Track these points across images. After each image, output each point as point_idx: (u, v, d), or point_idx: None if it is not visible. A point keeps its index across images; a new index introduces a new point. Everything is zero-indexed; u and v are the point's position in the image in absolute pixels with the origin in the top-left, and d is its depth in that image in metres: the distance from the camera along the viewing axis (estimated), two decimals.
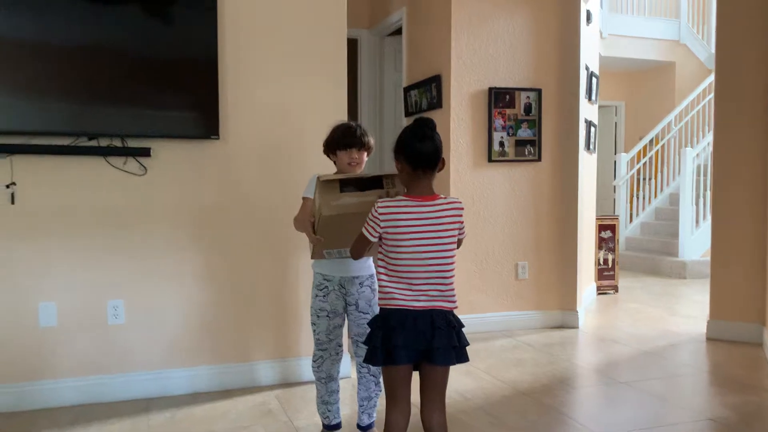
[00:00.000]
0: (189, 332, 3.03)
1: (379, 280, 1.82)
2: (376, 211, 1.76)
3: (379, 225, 1.77)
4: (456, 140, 4.05)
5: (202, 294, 3.05)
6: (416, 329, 1.75)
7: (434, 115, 4.21)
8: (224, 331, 3.09)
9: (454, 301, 1.80)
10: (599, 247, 5.54)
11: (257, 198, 3.10)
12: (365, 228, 1.80)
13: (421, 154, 1.75)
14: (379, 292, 1.82)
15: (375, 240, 1.79)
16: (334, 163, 2.36)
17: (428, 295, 1.77)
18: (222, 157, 3.04)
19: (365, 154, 2.32)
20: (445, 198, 1.80)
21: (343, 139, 2.27)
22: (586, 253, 4.93)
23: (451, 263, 1.79)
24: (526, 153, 4.20)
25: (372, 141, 2.33)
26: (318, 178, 1.99)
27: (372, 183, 2.01)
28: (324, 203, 1.97)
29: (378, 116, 5.12)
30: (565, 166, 4.29)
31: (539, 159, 4.23)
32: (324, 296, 2.35)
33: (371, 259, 2.36)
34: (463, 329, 1.82)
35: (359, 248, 1.86)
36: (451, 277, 1.79)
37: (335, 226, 2.00)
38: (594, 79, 4.88)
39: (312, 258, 2.26)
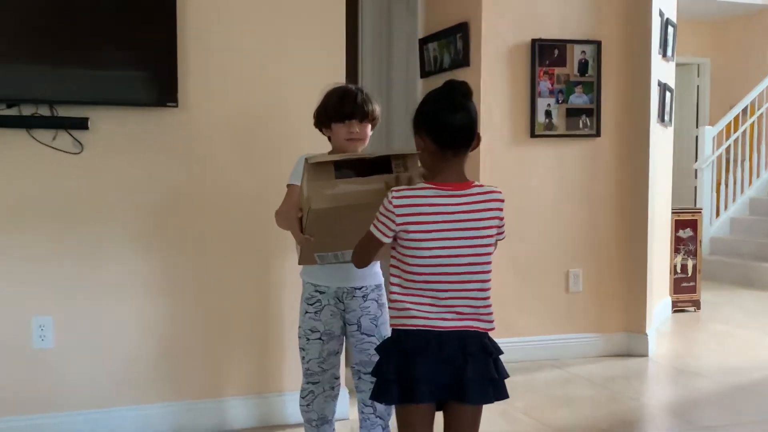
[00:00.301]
0: (140, 360, 3.05)
1: (391, 292, 1.83)
2: (389, 202, 1.76)
3: (394, 221, 1.77)
4: (488, 110, 4.04)
5: (157, 310, 3.07)
6: (442, 357, 1.75)
7: (459, 76, 4.19)
8: (186, 358, 3.11)
9: (491, 321, 1.81)
10: (676, 251, 5.54)
11: (229, 184, 3.11)
12: (374, 225, 1.80)
13: (452, 128, 1.77)
14: (392, 308, 1.82)
15: (388, 241, 1.80)
16: (329, 139, 2.39)
17: (458, 313, 1.78)
18: (182, 131, 3.05)
19: (369, 126, 2.33)
20: (482, 186, 1.81)
21: (339, 108, 2.29)
22: (659, 257, 4.93)
23: (488, 272, 1.80)
24: (581, 126, 4.22)
25: (378, 109, 2.35)
26: (306, 159, 2.00)
27: (377, 166, 2.02)
28: (313, 193, 1.98)
29: (385, 77, 5.11)
30: (631, 143, 4.30)
31: (598, 134, 4.24)
32: (316, 313, 2.37)
33: (378, 264, 2.40)
34: (501, 356, 1.84)
35: (365, 253, 1.88)
36: (488, 289, 1.80)
37: (329, 223, 2.03)
38: (670, 29, 4.87)
39: (300, 263, 2.27)
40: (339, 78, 3.10)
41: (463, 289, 1.78)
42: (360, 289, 2.35)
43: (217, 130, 3.09)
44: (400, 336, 1.80)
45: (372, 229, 1.80)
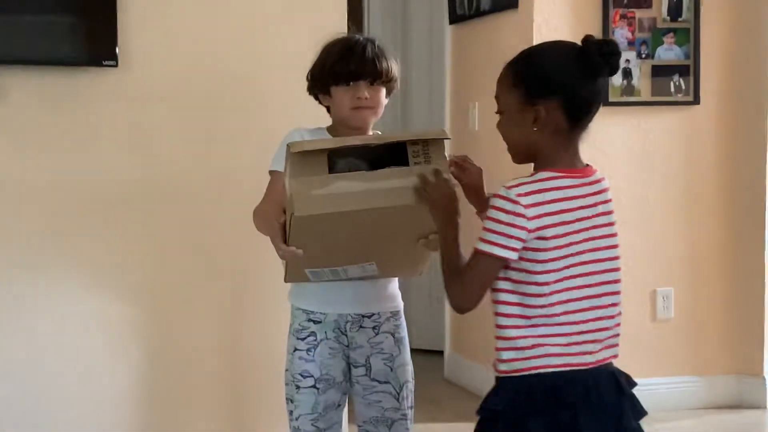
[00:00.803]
0: (75, 409, 3.09)
1: (503, 327, 1.84)
2: (514, 201, 1.78)
3: (525, 228, 1.78)
4: None
5: (88, 348, 3.07)
6: (604, 405, 1.83)
7: (503, 22, 4.16)
8: (129, 415, 3.13)
9: (618, 345, 1.92)
10: None
11: (186, 170, 3.13)
12: (488, 241, 1.79)
13: (594, 98, 1.87)
14: (508, 348, 1.84)
15: (515, 257, 1.80)
16: (328, 110, 2.40)
17: (597, 341, 1.86)
18: (123, 99, 3.09)
19: (383, 91, 2.34)
20: (595, 170, 1.92)
21: (341, 65, 2.29)
22: None
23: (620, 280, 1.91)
24: (673, 90, 4.18)
25: (395, 68, 2.36)
26: (288, 147, 2.02)
27: (387, 155, 2.04)
28: (298, 194, 1.99)
29: (400, 22, 5.09)
30: (744, 113, 4.25)
31: (696, 101, 4.21)
32: (309, 351, 2.36)
33: (396, 283, 2.42)
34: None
35: (476, 284, 1.84)
36: (620, 304, 1.91)
37: (321, 233, 2.05)
38: None
39: (287, 281, 2.30)
40: (336, 22, 3.10)
41: (601, 305, 1.85)
42: (370, 317, 2.35)
43: (170, 97, 3.10)
44: (535, 384, 1.81)
45: (484, 245, 1.79)
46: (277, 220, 2.10)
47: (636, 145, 4.20)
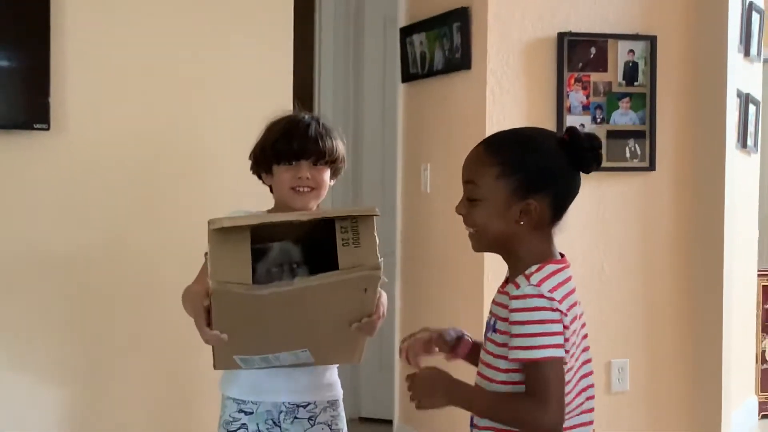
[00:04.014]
0: None
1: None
2: (548, 298, 1.76)
3: (563, 323, 1.77)
4: (497, 129, 3.90)
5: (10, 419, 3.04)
6: None
7: (456, 82, 4.20)
8: None
9: None
10: (764, 330, 5.44)
11: (120, 242, 3.15)
12: (545, 345, 1.75)
13: (577, 190, 1.90)
14: None
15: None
16: (271, 190, 2.42)
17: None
18: (55, 165, 3.12)
19: (326, 172, 2.37)
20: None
21: (283, 144, 2.31)
22: (740, 340, 4.86)
23: None
24: (628, 155, 4.21)
25: (341, 148, 2.40)
26: (209, 223, 2.03)
27: (315, 231, 2.07)
28: (219, 271, 1.98)
29: (352, 81, 5.12)
30: (699, 178, 4.30)
31: (652, 166, 4.24)
32: None
33: (335, 371, 2.43)
34: None
35: (558, 396, 1.77)
36: None
37: (247, 316, 2.05)
38: (755, 17, 4.86)
39: (217, 368, 2.27)
40: (283, 84, 3.20)
41: (593, 395, 1.92)
42: (305, 406, 2.34)
43: (106, 163, 3.15)
44: None
45: (544, 352, 1.74)
46: (202, 302, 2.07)
47: (591, 211, 4.20)
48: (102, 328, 3.16)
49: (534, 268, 1.81)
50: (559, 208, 1.87)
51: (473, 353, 2.00)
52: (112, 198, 3.18)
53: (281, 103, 2.98)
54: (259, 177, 2.40)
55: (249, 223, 2.03)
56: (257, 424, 2.32)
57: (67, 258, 3.13)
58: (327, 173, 2.34)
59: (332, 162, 2.35)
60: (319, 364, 2.29)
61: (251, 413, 2.32)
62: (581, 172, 1.87)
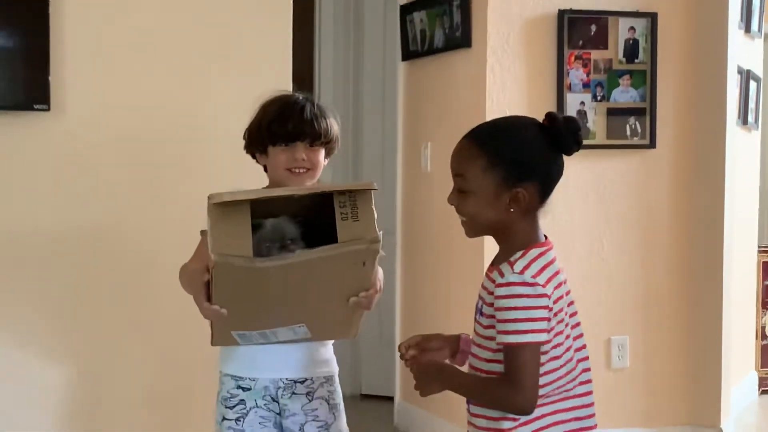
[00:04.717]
0: None
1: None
2: (531, 285, 1.82)
3: (548, 308, 1.83)
4: (496, 110, 4.00)
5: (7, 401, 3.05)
6: None
7: (457, 60, 4.22)
8: None
9: None
10: (764, 306, 5.46)
11: (120, 222, 3.15)
12: (525, 330, 1.81)
13: (561, 173, 1.95)
14: (522, 424, 1.86)
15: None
16: (265, 169, 2.43)
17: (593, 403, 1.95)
18: (55, 146, 3.11)
19: (321, 152, 2.37)
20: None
21: (278, 125, 2.32)
22: (739, 317, 4.83)
23: None
24: (628, 132, 4.22)
25: (336, 128, 2.39)
26: (209, 198, 2.04)
27: (313, 205, 2.09)
28: (219, 244, 2.00)
29: (352, 60, 5.12)
30: (700, 156, 4.30)
31: (652, 144, 4.24)
32: (238, 420, 2.35)
33: (331, 347, 2.43)
34: None
35: (532, 381, 1.82)
36: None
37: (247, 291, 2.06)
38: None
39: (214, 344, 2.28)
40: (282, 66, 3.17)
41: (588, 367, 1.95)
42: (303, 382, 2.35)
43: (106, 144, 3.16)
44: None
45: (523, 337, 1.80)
46: (202, 277, 2.08)
47: (591, 188, 4.22)
48: (100, 307, 3.18)
49: (518, 254, 1.87)
50: (546, 192, 1.92)
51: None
52: (111, 179, 3.18)
53: (280, 83, 2.97)
54: (254, 156, 2.41)
55: (249, 197, 2.03)
56: (255, 400, 2.34)
57: (67, 238, 3.13)
58: (322, 153, 2.36)
59: (328, 142, 2.36)
60: (315, 340, 2.31)
61: (249, 389, 2.34)
62: (564, 155, 1.92)
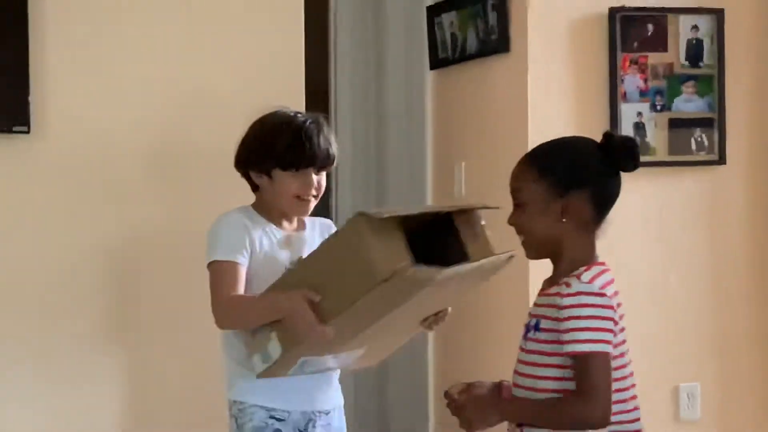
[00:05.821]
0: None
1: None
2: (598, 295, 1.99)
3: (613, 319, 2.01)
4: (540, 122, 3.96)
5: None
6: None
7: (494, 67, 4.15)
8: None
9: None
10: None
11: (104, 243, 3.24)
12: (596, 340, 1.96)
13: (617, 191, 2.13)
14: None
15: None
16: (253, 189, 2.52)
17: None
18: (35, 170, 3.21)
19: (325, 175, 2.53)
20: None
21: (293, 153, 2.43)
22: None
23: None
24: (694, 147, 4.09)
25: (335, 147, 2.52)
26: (360, 213, 2.15)
27: (431, 223, 2.30)
28: (386, 259, 2.10)
29: (373, 68, 5.00)
30: None
31: (722, 160, 4.13)
32: None
33: (337, 376, 2.59)
34: None
35: (607, 391, 1.97)
36: None
37: (383, 305, 2.18)
38: None
39: (262, 375, 2.33)
40: (295, 78, 3.34)
41: (633, 384, 2.14)
42: (327, 413, 2.53)
43: (89, 168, 3.23)
44: None
45: (595, 346, 1.96)
46: (312, 299, 2.18)
47: (652, 212, 4.12)
48: (88, 329, 3.29)
49: (582, 268, 2.04)
50: (599, 207, 2.09)
51: None
52: (94, 205, 3.26)
53: (291, 97, 3.02)
54: (246, 177, 2.50)
55: (399, 213, 2.18)
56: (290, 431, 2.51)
57: (49, 264, 3.24)
58: (325, 177, 2.53)
59: (332, 165, 2.53)
60: (351, 367, 2.53)
61: (283, 420, 2.48)
62: (622, 172, 2.10)
